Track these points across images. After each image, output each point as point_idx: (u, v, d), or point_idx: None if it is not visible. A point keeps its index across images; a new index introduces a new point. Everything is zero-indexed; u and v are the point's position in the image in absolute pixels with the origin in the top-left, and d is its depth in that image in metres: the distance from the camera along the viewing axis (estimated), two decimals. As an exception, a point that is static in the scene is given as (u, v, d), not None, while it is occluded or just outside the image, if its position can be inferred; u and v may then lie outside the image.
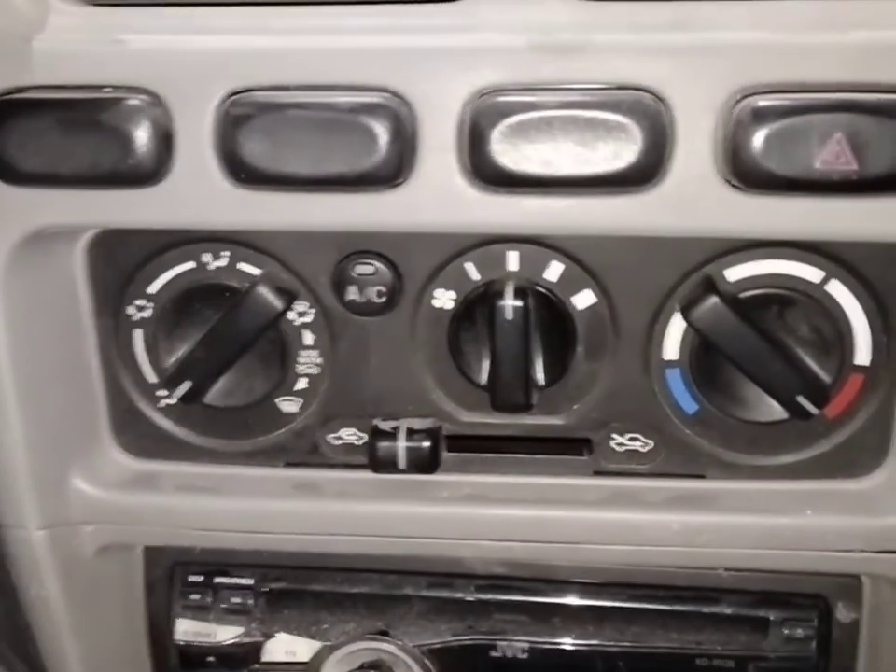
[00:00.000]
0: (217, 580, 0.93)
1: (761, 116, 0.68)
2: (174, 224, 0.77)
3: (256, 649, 0.93)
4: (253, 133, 0.71)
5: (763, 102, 0.68)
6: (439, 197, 0.72)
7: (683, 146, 0.70)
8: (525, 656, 0.91)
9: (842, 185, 0.68)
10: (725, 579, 0.89)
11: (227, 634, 0.93)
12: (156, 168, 0.73)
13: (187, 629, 0.94)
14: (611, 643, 0.90)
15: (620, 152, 0.70)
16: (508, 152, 0.70)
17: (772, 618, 0.89)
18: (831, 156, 0.68)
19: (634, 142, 0.69)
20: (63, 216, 0.76)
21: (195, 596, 0.93)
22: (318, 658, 0.92)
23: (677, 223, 0.72)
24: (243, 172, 0.72)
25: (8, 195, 0.75)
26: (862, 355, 0.82)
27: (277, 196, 0.73)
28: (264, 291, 0.82)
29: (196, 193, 0.74)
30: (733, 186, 0.70)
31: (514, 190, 0.72)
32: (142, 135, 0.72)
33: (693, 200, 0.71)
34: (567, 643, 0.91)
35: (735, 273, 0.80)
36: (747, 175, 0.69)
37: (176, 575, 0.94)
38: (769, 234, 0.74)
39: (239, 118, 0.71)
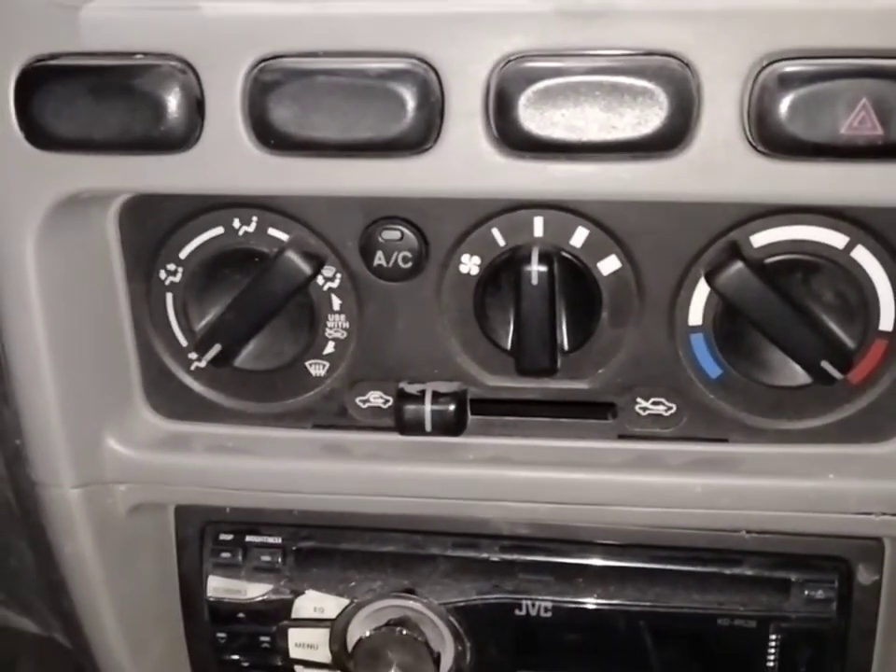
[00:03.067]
0: (248, 538, 0.95)
1: (787, 81, 0.68)
2: (204, 189, 0.78)
3: (285, 605, 0.95)
4: (282, 100, 0.72)
5: (789, 67, 0.68)
6: (465, 163, 0.73)
7: (709, 111, 0.70)
8: (548, 615, 0.92)
9: (867, 150, 0.68)
10: (747, 541, 0.90)
11: (257, 591, 0.95)
12: (186, 134, 0.74)
13: (218, 586, 0.96)
14: (634, 603, 0.92)
15: (646, 118, 0.70)
16: (534, 118, 0.70)
17: (793, 579, 0.90)
18: (856, 121, 0.68)
19: (660, 107, 0.70)
20: (96, 181, 0.77)
21: (226, 555, 0.95)
22: (346, 615, 0.94)
23: (702, 189, 0.72)
24: (272, 138, 0.73)
25: (42, 160, 0.76)
26: (887, 320, 0.82)
27: (305, 162, 0.74)
28: (293, 256, 0.83)
29: (226, 159, 0.75)
30: (758, 151, 0.70)
31: (540, 156, 0.72)
32: (173, 102, 0.73)
33: (719, 165, 0.71)
34: (591, 603, 0.92)
35: (760, 238, 0.80)
36: (772, 140, 0.69)
37: (208, 534, 0.96)
38: (795, 199, 0.74)
39: (268, 84, 0.72)
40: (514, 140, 0.71)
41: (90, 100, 0.74)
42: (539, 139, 0.71)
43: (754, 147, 0.70)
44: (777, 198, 0.74)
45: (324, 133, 0.72)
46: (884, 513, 0.84)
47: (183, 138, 0.74)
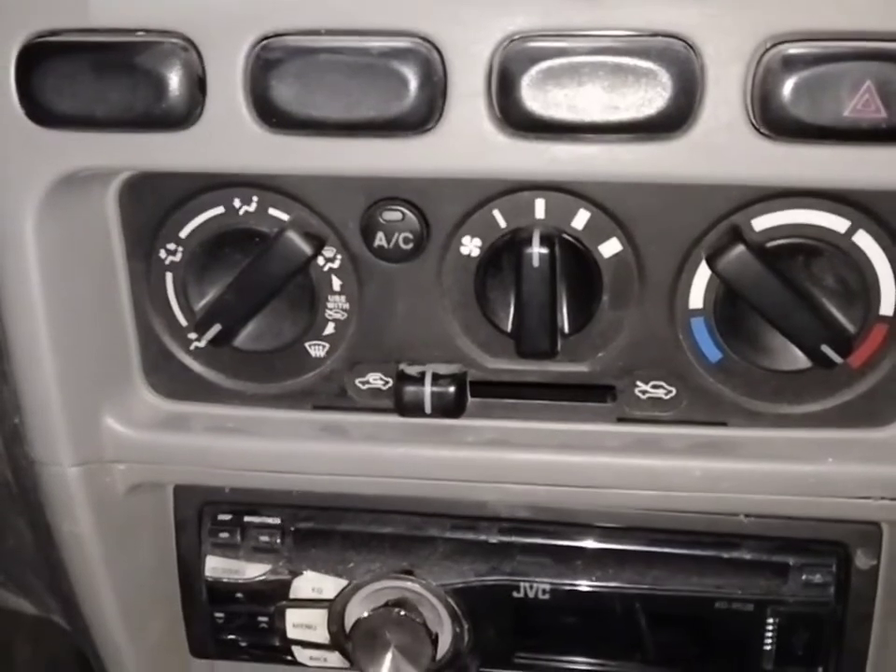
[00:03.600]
0: (247, 519, 0.96)
1: (791, 64, 0.68)
2: (205, 167, 0.78)
3: (283, 586, 0.95)
4: (284, 78, 0.72)
5: (793, 50, 0.68)
6: (468, 143, 0.73)
7: (713, 93, 0.70)
8: (546, 597, 0.93)
9: (871, 133, 0.68)
10: (746, 525, 0.90)
11: (255, 571, 0.95)
12: (188, 112, 0.74)
13: (216, 566, 0.96)
14: (631, 586, 0.92)
15: (649, 99, 0.70)
16: (537, 98, 0.70)
17: (792, 563, 0.90)
18: (860, 104, 0.67)
19: (663, 89, 0.69)
20: (96, 158, 0.77)
21: (224, 535, 0.96)
22: (344, 596, 0.94)
23: (705, 171, 0.72)
24: (273, 116, 0.73)
25: (43, 137, 0.76)
26: (887, 305, 0.82)
27: (307, 141, 0.74)
28: (293, 236, 0.83)
29: (227, 137, 0.75)
30: (762, 134, 0.70)
31: (543, 136, 0.72)
32: (174, 79, 0.73)
33: (722, 147, 0.71)
34: (588, 585, 0.92)
35: (762, 222, 0.80)
36: (776, 122, 0.69)
37: (206, 514, 0.96)
38: (797, 182, 0.74)
39: (270, 62, 0.72)
40: (517, 120, 0.71)
41: (91, 77, 0.74)
42: (542, 119, 0.71)
43: (757, 130, 0.70)
44: (779, 181, 0.74)
45: (325, 112, 0.72)
46: (883, 497, 0.84)
47: (184, 116, 0.74)
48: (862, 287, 0.81)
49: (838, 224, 0.80)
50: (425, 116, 0.72)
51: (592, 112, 0.70)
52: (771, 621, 0.91)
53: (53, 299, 0.83)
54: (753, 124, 0.70)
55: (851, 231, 0.80)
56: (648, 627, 0.93)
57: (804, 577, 0.90)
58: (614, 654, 0.95)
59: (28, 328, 0.83)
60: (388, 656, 0.92)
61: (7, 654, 1.50)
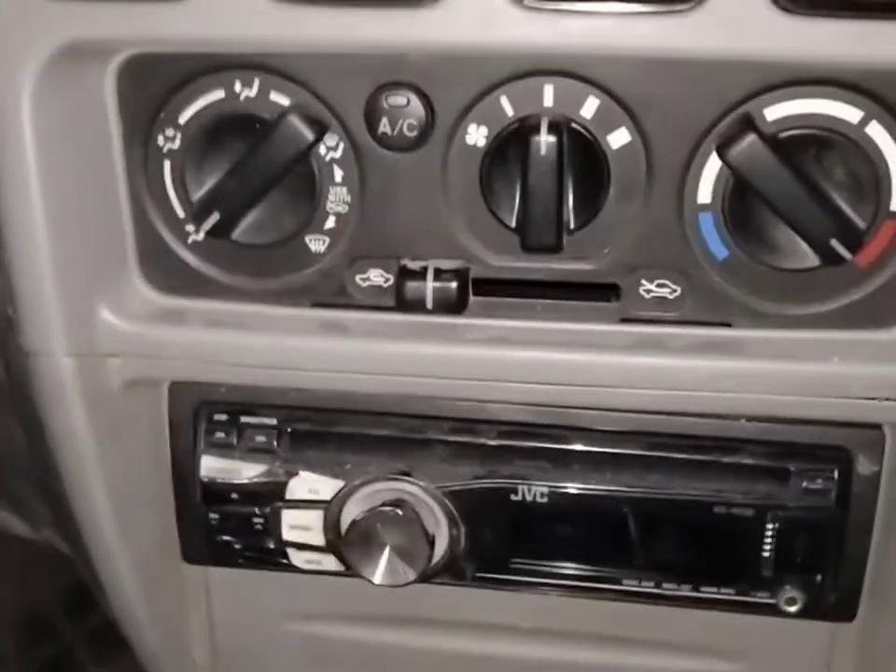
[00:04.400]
0: (243, 419, 0.94)
1: (811, -68, 0.67)
2: (204, 40, 0.76)
3: (279, 487, 0.94)
4: (288, -57, 0.70)
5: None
6: (476, 14, 0.71)
7: (729, -37, 0.68)
8: (544, 500, 0.92)
9: (892, 6, 0.67)
10: (747, 429, 0.89)
11: (251, 472, 0.94)
12: None
13: (211, 466, 0.94)
14: (630, 489, 0.91)
15: (663, -32, 0.68)
16: (549, -34, 0.69)
17: (792, 469, 0.89)
18: (884, -27, 0.66)
19: (678, -42, 0.68)
20: (95, 28, 0.75)
21: (220, 434, 0.94)
22: (340, 497, 0.93)
23: (720, 45, 0.70)
24: (273, -17, 0.71)
25: (40, 6, 0.74)
26: (899, 201, 0.81)
27: (310, 11, 0.72)
28: (294, 121, 0.81)
29: (227, 7, 0.73)
30: (780, 7, 0.68)
31: (553, 8, 0.70)
32: (173, -56, 0.71)
33: (738, 20, 0.69)
34: (587, 489, 0.91)
35: (775, 112, 0.79)
36: (795, -7, 0.68)
37: (202, 413, 0.94)
38: (816, 58, 0.72)
39: (273, -73, 0.70)
40: (526, -10, 0.70)
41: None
42: (553, -11, 0.69)
43: (775, 3, 0.68)
44: (797, 57, 0.72)
45: (330, -21, 0.70)
46: (887, 398, 0.83)
47: None
48: (874, 182, 0.80)
49: (851, 114, 0.78)
50: None
51: (604, -19, 0.69)
52: (770, 526, 0.90)
53: (49, 183, 0.81)
54: (772, -4, 0.68)
55: (864, 122, 0.78)
56: (646, 533, 0.92)
57: (804, 482, 0.89)
58: (612, 561, 0.94)
59: (23, 213, 0.82)
60: (384, 557, 0.91)
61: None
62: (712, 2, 0.69)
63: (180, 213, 0.88)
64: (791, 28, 0.69)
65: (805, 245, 0.82)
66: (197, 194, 0.86)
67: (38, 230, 0.82)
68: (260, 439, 0.94)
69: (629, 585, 0.95)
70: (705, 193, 0.82)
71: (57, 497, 1.00)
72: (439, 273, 0.86)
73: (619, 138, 0.81)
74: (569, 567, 0.95)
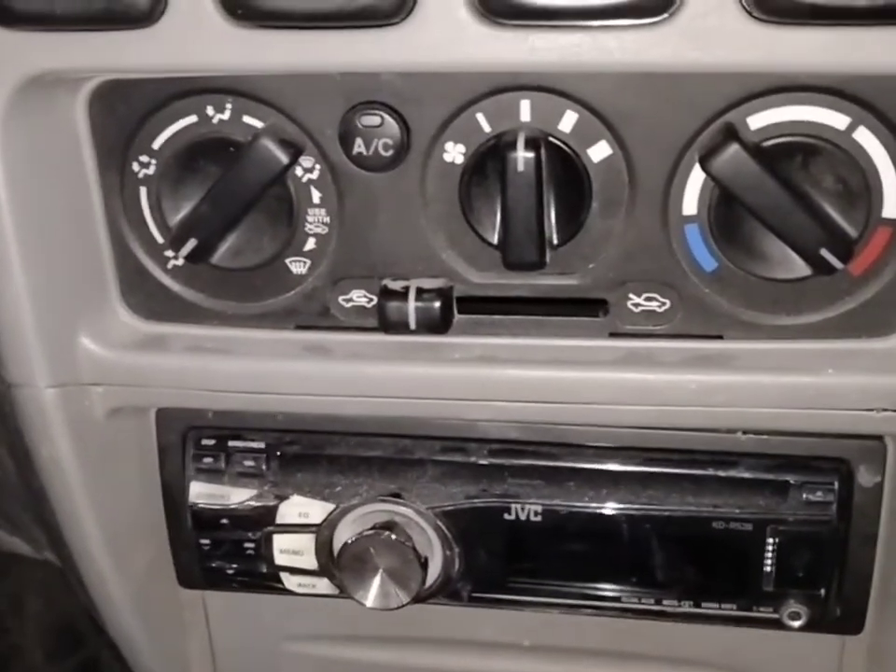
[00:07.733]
0: (231, 443, 0.93)
1: (780, -62, 0.64)
2: (171, 67, 0.74)
3: (269, 511, 0.93)
4: (249, -32, 0.68)
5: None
6: (443, 33, 0.69)
7: (700, -27, 0.66)
8: (538, 519, 0.90)
9: (867, 12, 0.64)
10: (744, 442, 0.87)
11: (240, 496, 0.93)
12: (150, 7, 0.70)
13: (200, 492, 0.94)
14: (626, 507, 0.89)
15: (633, -20, 0.66)
16: (514, -18, 0.66)
17: (792, 481, 0.87)
18: (854, -20, 0.63)
19: (648, -31, 0.66)
20: (60, 60, 0.74)
21: (208, 460, 0.93)
22: (332, 520, 0.91)
23: (693, 57, 0.68)
24: (238, 7, 0.69)
25: (3, 40, 0.73)
26: (891, 207, 0.78)
27: (275, 34, 0.71)
28: (268, 143, 0.80)
29: (192, 33, 0.71)
30: (753, 16, 0.66)
31: (522, 24, 0.68)
32: (133, -29, 0.69)
33: (711, 31, 0.67)
34: (581, 506, 0.90)
35: (758, 120, 0.76)
36: (767, 3, 0.65)
37: (190, 439, 0.94)
38: (791, 68, 0.70)
39: (232, -49, 0.69)
40: (493, 7, 0.67)
41: (48, -28, 0.70)
42: (521, 5, 0.67)
43: (748, 12, 0.66)
44: (772, 67, 0.69)
45: (292, 2, 0.68)
46: (885, 409, 0.81)
47: (146, 12, 0.70)
48: (864, 188, 0.77)
49: (838, 120, 0.76)
50: (397, 3, 0.68)
51: (572, -5, 0.66)
52: (770, 541, 0.88)
53: (22, 212, 0.80)
54: (744, 6, 0.66)
55: (852, 128, 0.76)
56: (644, 550, 0.91)
57: (804, 495, 0.87)
58: (609, 578, 0.93)
59: (-3, 243, 0.81)
60: (377, 580, 0.90)
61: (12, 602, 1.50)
62: (683, 14, 0.66)
63: (159, 238, 0.87)
64: (765, 38, 0.66)
65: (795, 255, 0.79)
66: (174, 219, 0.85)
67: (13, 260, 0.81)
68: (249, 463, 0.93)
69: (629, 603, 0.93)
70: (690, 204, 0.80)
71: (49, 525, 0.99)
72: (420, 293, 0.84)
73: (599, 151, 0.79)
74: (567, 586, 0.93)
